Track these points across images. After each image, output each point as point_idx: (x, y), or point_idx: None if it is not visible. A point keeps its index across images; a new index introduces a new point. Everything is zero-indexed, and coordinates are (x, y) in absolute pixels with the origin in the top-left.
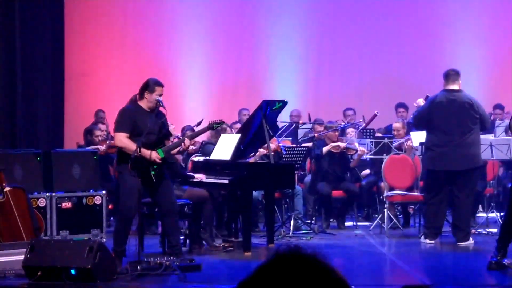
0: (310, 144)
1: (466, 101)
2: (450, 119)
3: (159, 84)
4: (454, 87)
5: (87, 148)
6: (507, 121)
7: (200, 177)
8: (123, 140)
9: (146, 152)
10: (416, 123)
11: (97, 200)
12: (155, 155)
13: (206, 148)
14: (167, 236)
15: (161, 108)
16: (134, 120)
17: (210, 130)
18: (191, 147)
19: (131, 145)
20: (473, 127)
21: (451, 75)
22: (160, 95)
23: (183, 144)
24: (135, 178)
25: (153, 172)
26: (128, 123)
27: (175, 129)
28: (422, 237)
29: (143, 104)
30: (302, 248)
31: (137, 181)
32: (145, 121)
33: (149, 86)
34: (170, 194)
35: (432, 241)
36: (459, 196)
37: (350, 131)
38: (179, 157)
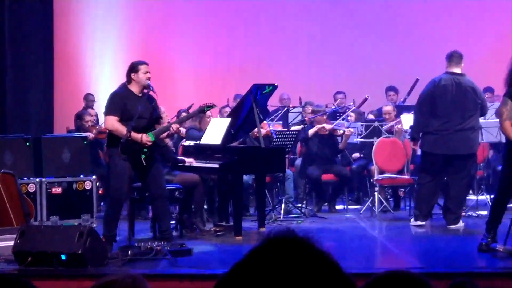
0: (300, 127)
1: (469, 86)
2: (454, 103)
3: (142, 62)
4: (457, 70)
5: (77, 133)
6: (497, 103)
7: (190, 161)
8: (114, 123)
9: (136, 136)
10: (419, 109)
11: (87, 185)
12: (146, 138)
13: (189, 133)
14: (157, 220)
15: (151, 93)
16: (125, 104)
17: (201, 113)
18: (182, 129)
19: (122, 129)
20: (474, 112)
21: (454, 57)
22: (146, 72)
23: (171, 128)
24: (125, 162)
25: (143, 156)
26: (118, 107)
27: (167, 115)
28: (412, 219)
29: (133, 87)
30: (294, 232)
31: (127, 165)
32: (136, 105)
33: (134, 66)
34: (160, 179)
35: (423, 223)
36: (454, 179)
37: (351, 114)
38: (169, 142)
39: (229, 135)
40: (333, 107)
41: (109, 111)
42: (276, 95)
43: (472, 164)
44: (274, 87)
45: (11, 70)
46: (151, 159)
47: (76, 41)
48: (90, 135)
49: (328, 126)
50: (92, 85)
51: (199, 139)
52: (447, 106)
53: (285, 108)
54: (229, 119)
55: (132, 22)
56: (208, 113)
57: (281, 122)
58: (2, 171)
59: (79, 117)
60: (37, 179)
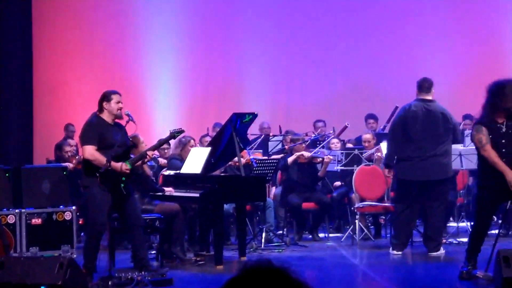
0: (280, 156)
1: (440, 112)
2: (425, 129)
3: (114, 92)
4: (428, 97)
5: (56, 163)
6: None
7: (169, 190)
8: (93, 153)
9: (116, 165)
10: (392, 136)
11: (67, 216)
12: (124, 167)
13: (171, 163)
14: (134, 249)
15: (130, 122)
16: (100, 133)
17: (172, 139)
18: (163, 160)
19: (101, 158)
20: (446, 138)
21: (425, 84)
22: (118, 102)
23: (147, 155)
24: (104, 192)
25: (122, 185)
26: (95, 136)
27: (146, 145)
28: (391, 248)
29: (105, 116)
30: (270, 262)
31: (106, 195)
32: (111, 133)
33: (106, 96)
34: (135, 208)
35: (400, 252)
36: (431, 206)
37: (336, 142)
38: (149, 172)
39: (209, 164)
40: (313, 135)
41: (86, 140)
42: (256, 124)
43: (448, 190)
44: (254, 115)
45: None
46: (128, 188)
47: (56, 71)
48: (69, 165)
49: (307, 154)
50: (72, 115)
51: (180, 168)
52: (418, 132)
53: (264, 136)
54: (209, 148)
55: (110, 51)
56: (192, 142)
57: (261, 150)
58: None
59: (58, 147)
60: (17, 210)
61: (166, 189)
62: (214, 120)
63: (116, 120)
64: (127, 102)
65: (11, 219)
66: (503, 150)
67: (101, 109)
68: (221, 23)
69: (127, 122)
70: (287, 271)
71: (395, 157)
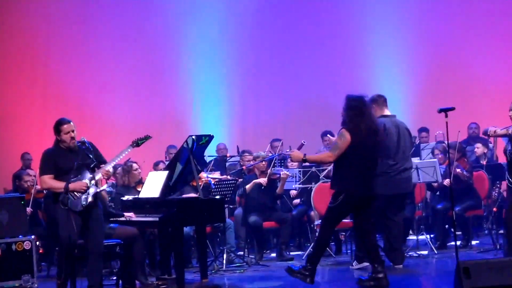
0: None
1: (404, 126)
2: (398, 144)
3: (63, 123)
4: (388, 112)
5: (15, 193)
6: (432, 143)
7: (129, 215)
8: (48, 181)
9: (75, 184)
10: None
11: (27, 246)
12: (80, 185)
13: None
14: (87, 275)
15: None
16: (56, 161)
17: (136, 147)
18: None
19: (57, 184)
20: (410, 151)
21: (381, 100)
22: (68, 132)
23: (101, 173)
24: (68, 210)
25: (83, 203)
26: (51, 166)
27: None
28: (355, 262)
29: (62, 144)
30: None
31: (71, 213)
32: (66, 160)
33: (56, 127)
34: (99, 235)
35: (364, 264)
36: (393, 219)
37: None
38: (106, 196)
39: (167, 188)
40: (270, 154)
41: (42, 171)
42: (213, 146)
43: (405, 202)
44: (210, 137)
45: None
46: (92, 207)
47: (11, 99)
48: (27, 195)
49: (263, 181)
50: (27, 144)
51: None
52: (392, 147)
53: (221, 157)
54: (166, 172)
55: (68, 73)
56: (135, 165)
57: (219, 172)
58: None
59: (17, 177)
60: None
61: (126, 214)
62: (170, 143)
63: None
64: (84, 128)
65: None
66: None
67: (57, 138)
68: (174, 45)
69: (84, 148)
70: None
71: None
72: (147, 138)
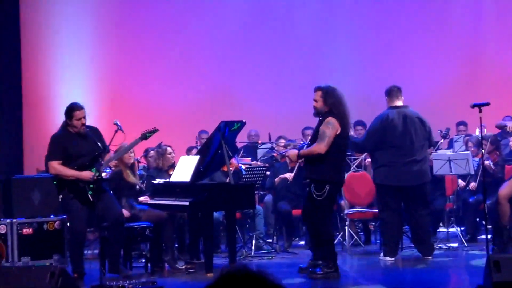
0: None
1: (416, 117)
2: (404, 135)
3: (75, 108)
4: (399, 103)
5: (47, 173)
6: (467, 136)
7: (145, 199)
8: (56, 167)
9: (81, 174)
10: (367, 146)
11: (58, 225)
12: (87, 175)
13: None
14: (108, 245)
15: (119, 132)
16: (65, 147)
17: (144, 140)
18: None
19: (65, 171)
20: (424, 142)
21: (394, 91)
22: (80, 118)
23: (110, 165)
24: (76, 201)
25: (90, 192)
26: (59, 151)
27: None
28: (382, 254)
29: (71, 128)
30: (246, 266)
31: (79, 204)
32: (76, 145)
33: (67, 112)
34: (114, 206)
35: (392, 259)
36: (416, 210)
37: None
38: (132, 179)
39: (198, 173)
40: (301, 142)
41: (50, 156)
42: (244, 132)
43: (429, 193)
44: (242, 123)
45: None
46: (99, 192)
47: (45, 80)
48: None
49: (289, 176)
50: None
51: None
52: (397, 138)
53: (252, 144)
54: (197, 157)
55: (100, 60)
56: (169, 149)
57: (250, 158)
58: None
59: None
60: (8, 220)
61: (140, 199)
62: (202, 128)
63: (118, 131)
64: (116, 110)
65: (2, 229)
66: None
67: (67, 122)
68: (208, 32)
69: (116, 131)
70: (263, 274)
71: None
72: (155, 131)
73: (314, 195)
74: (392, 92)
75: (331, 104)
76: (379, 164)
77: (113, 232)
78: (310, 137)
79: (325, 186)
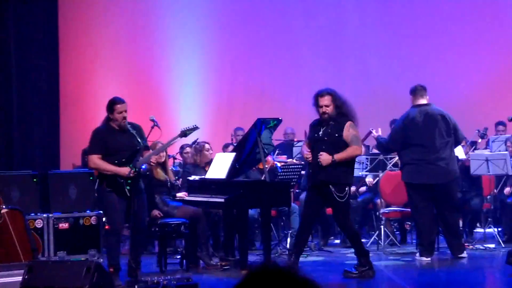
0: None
1: (438, 114)
2: (426, 133)
3: (116, 102)
4: (423, 101)
5: (83, 169)
6: (504, 136)
7: (181, 196)
8: (96, 161)
9: (118, 170)
10: (392, 146)
11: (94, 221)
12: (124, 171)
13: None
14: (131, 249)
15: (155, 128)
16: (105, 141)
17: (183, 137)
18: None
19: (104, 166)
20: (448, 139)
21: (418, 90)
22: (121, 112)
23: (151, 161)
24: (114, 195)
25: (127, 187)
26: (99, 145)
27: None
28: (418, 254)
29: (112, 123)
30: (275, 263)
31: (116, 198)
32: (115, 140)
33: (109, 106)
34: (142, 212)
35: (428, 258)
36: (444, 209)
37: None
38: (164, 176)
39: (234, 170)
40: None
41: (91, 150)
42: (280, 130)
43: (456, 191)
44: (278, 121)
45: (17, 107)
46: (135, 190)
47: (81, 76)
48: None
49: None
50: (98, 120)
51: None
52: (420, 137)
53: (288, 142)
54: (233, 154)
55: (136, 54)
56: (207, 146)
57: (285, 156)
58: (9, 207)
59: (86, 153)
60: (44, 215)
61: (178, 194)
62: (238, 125)
63: (154, 127)
64: (152, 107)
65: (39, 224)
66: None
67: (109, 117)
68: (246, 30)
69: (152, 127)
70: (293, 271)
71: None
72: (195, 128)
73: (337, 198)
74: (416, 91)
75: (339, 106)
76: (404, 162)
77: (137, 238)
78: (318, 142)
79: (346, 187)
